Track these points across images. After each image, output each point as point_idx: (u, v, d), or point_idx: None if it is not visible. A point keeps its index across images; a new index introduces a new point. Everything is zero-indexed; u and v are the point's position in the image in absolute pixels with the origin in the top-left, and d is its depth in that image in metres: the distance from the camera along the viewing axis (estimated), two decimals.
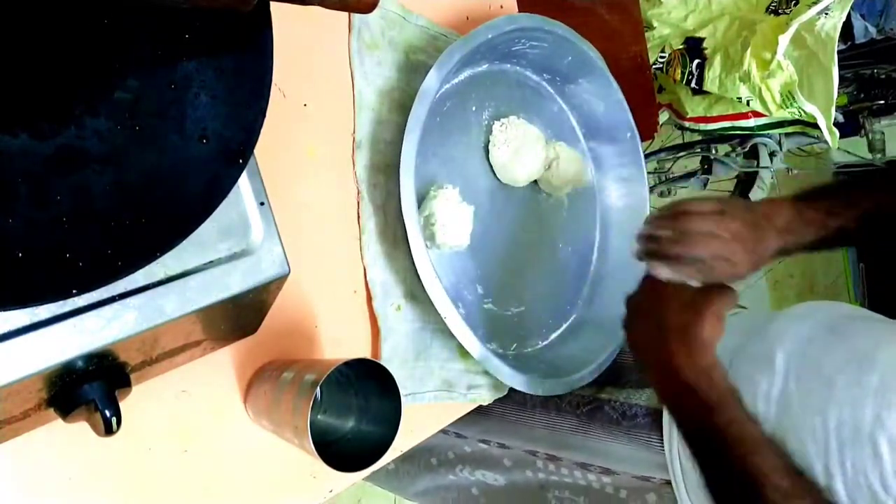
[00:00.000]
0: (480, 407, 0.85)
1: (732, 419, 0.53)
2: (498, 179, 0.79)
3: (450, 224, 0.68)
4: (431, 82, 0.66)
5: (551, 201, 0.85)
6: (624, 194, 0.91)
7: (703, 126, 1.50)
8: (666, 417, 0.73)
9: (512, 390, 0.82)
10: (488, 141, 0.78)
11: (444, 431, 0.88)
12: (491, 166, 0.78)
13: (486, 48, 0.74)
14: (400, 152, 0.63)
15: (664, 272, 0.59)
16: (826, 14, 1.22)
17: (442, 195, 0.69)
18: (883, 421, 0.57)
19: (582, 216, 0.89)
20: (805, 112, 1.27)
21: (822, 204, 0.62)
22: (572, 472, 0.77)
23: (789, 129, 1.45)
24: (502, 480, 0.84)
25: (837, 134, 1.31)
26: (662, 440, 0.72)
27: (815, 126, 1.30)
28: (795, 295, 3.28)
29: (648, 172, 1.77)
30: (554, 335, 0.83)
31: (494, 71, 0.81)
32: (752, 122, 1.43)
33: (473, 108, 0.77)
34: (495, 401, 0.80)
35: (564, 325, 0.84)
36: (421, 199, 0.69)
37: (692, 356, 0.56)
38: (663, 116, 1.59)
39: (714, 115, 1.47)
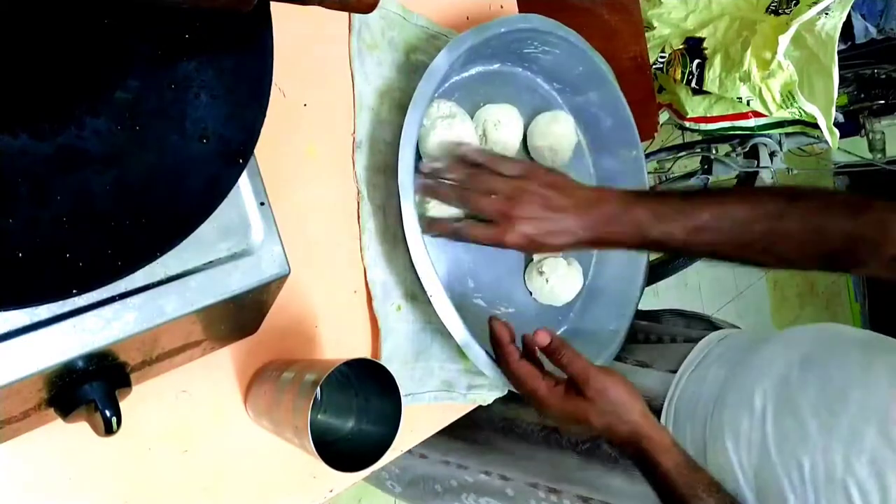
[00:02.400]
0: (482, 438, 0.84)
1: (677, 463, 0.57)
2: None
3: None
4: (440, 62, 0.66)
5: None
6: None
7: (703, 126, 1.50)
8: None
9: (509, 425, 0.81)
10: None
11: (445, 462, 0.89)
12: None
13: (499, 44, 0.74)
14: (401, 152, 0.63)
15: (435, 209, 0.65)
16: (826, 14, 1.22)
17: None
18: (852, 466, 0.57)
19: None
20: (805, 112, 1.27)
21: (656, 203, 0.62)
22: None
23: (789, 129, 1.45)
24: None
25: (838, 134, 1.31)
26: None
27: (816, 126, 1.30)
28: (796, 295, 3.28)
29: (648, 172, 1.77)
30: None
31: (506, 72, 0.81)
32: (752, 122, 1.43)
33: (482, 104, 0.77)
34: (497, 434, 0.79)
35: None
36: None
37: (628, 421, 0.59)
38: (663, 116, 1.59)
39: (714, 115, 1.47)
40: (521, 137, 0.79)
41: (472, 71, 0.77)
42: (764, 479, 0.63)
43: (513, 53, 0.79)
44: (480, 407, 0.75)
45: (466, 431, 0.83)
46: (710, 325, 0.87)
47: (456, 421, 0.73)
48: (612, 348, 0.81)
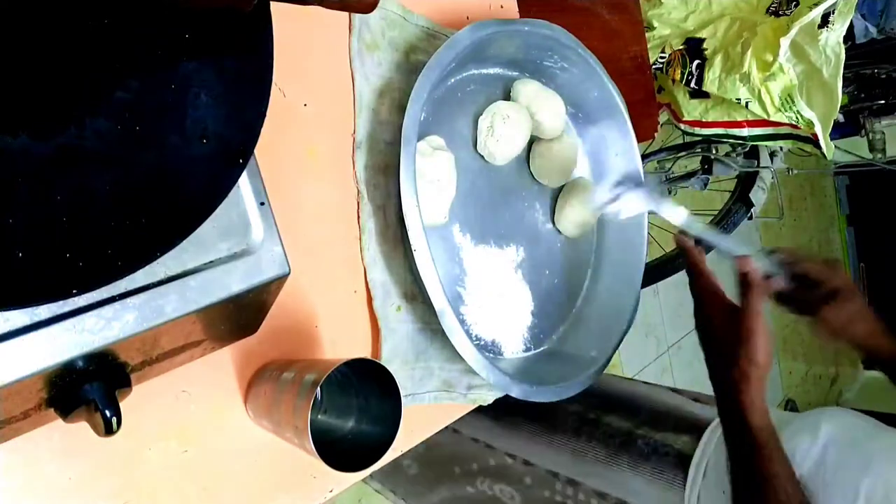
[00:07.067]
0: (512, 421, 0.85)
1: (763, 425, 0.58)
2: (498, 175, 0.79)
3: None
4: (464, 34, 0.67)
5: (554, 230, 0.85)
6: (621, 246, 0.88)
7: (697, 130, 1.50)
8: (694, 462, 0.74)
9: (544, 412, 0.82)
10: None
11: (474, 439, 0.90)
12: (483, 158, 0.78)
13: (522, 47, 0.75)
14: (400, 153, 0.63)
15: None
16: (828, 27, 1.20)
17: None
18: None
19: (578, 253, 0.88)
20: (803, 117, 1.26)
21: None
22: (589, 499, 0.78)
23: (781, 143, 1.44)
24: (518, 499, 0.85)
25: (833, 147, 1.30)
26: (685, 484, 0.73)
27: (808, 141, 1.30)
28: None
29: (648, 172, 1.77)
30: (524, 354, 0.79)
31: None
32: (745, 132, 1.41)
33: (496, 101, 0.78)
34: (527, 420, 0.80)
35: (534, 351, 0.80)
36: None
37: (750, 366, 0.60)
38: (664, 116, 1.59)
39: (709, 120, 1.46)
40: (527, 137, 0.79)
41: (492, 70, 0.78)
42: (813, 488, 0.65)
43: (533, 63, 0.80)
44: None
45: (501, 412, 0.84)
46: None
47: (495, 401, 0.74)
48: (591, 372, 0.77)
